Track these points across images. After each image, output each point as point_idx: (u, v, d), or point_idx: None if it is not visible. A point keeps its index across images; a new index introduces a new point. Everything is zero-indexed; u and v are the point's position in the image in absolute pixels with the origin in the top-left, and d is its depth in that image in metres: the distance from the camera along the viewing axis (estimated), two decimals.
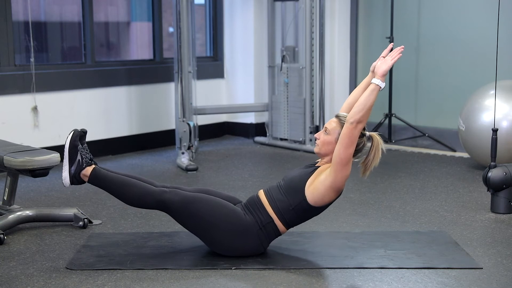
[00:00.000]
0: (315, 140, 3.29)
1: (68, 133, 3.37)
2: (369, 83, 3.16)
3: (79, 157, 3.33)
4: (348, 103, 3.34)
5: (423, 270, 3.10)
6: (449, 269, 3.10)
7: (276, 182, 3.35)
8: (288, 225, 3.26)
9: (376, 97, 3.10)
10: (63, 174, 3.33)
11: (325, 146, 3.23)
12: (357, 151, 3.19)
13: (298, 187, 3.20)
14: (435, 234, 3.64)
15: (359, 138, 3.14)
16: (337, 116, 3.26)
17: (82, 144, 3.36)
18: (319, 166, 3.26)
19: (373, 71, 3.22)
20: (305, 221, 3.30)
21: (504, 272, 3.07)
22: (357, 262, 3.19)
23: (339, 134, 3.16)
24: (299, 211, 3.21)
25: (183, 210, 3.24)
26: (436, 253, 3.32)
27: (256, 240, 3.22)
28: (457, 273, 3.05)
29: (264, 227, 3.22)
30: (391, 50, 3.21)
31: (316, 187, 3.17)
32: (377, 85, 3.09)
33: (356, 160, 3.23)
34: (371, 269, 3.10)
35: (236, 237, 3.20)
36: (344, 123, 3.15)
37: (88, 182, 3.35)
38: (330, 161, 3.21)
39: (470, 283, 2.94)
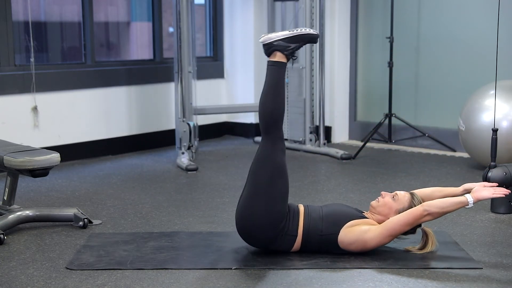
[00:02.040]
0: (380, 195, 3.34)
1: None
2: (454, 192, 3.29)
3: (293, 46, 3.32)
4: (425, 193, 3.38)
5: (423, 270, 3.10)
6: (449, 269, 3.10)
7: (317, 205, 3.38)
8: (305, 246, 3.27)
9: (456, 210, 3.21)
10: (273, 34, 3.32)
11: (384, 208, 3.30)
12: (405, 233, 3.25)
13: (338, 221, 3.24)
14: (435, 234, 3.63)
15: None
16: (411, 193, 3.32)
17: (301, 46, 3.36)
18: (367, 218, 3.31)
19: (465, 189, 3.30)
20: (320, 251, 3.29)
21: (504, 272, 3.07)
22: (357, 262, 3.19)
23: (403, 210, 3.25)
24: (324, 240, 3.24)
25: (270, 166, 3.23)
26: (436, 253, 3.32)
27: (272, 238, 3.23)
28: (457, 273, 3.05)
29: (285, 235, 3.24)
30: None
31: (352, 231, 3.21)
32: (468, 201, 3.16)
33: (397, 239, 3.29)
34: (371, 269, 3.10)
35: (264, 223, 3.19)
36: (412, 204, 3.26)
37: (270, 59, 3.34)
38: (378, 221, 3.28)
39: (470, 283, 2.94)
